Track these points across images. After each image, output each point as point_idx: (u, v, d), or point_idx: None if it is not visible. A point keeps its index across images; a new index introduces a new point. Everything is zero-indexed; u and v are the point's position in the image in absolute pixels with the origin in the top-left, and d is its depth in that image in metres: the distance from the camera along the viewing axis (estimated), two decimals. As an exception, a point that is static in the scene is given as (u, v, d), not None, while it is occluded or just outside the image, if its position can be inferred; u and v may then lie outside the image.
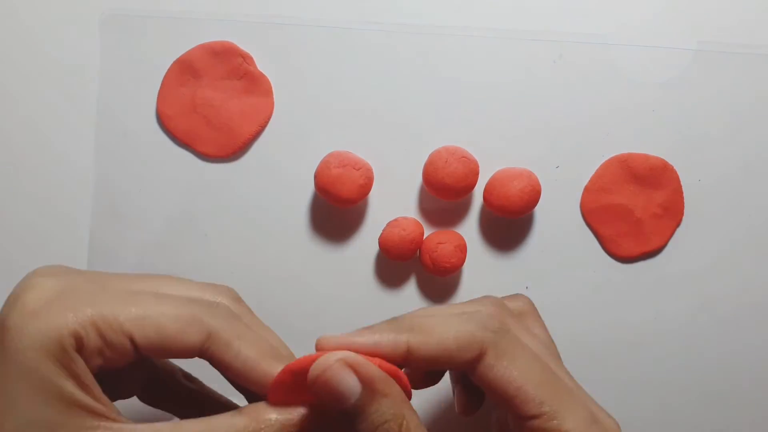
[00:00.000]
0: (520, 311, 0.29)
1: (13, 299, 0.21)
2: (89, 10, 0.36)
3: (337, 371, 0.21)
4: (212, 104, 0.36)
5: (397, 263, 0.36)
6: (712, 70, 0.36)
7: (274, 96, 0.36)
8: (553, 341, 0.29)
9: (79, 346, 0.21)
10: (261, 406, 0.23)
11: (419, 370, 0.25)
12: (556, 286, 0.36)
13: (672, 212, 0.36)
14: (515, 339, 0.24)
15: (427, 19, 0.36)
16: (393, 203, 0.36)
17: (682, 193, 0.36)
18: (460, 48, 0.36)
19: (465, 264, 0.35)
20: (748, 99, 0.36)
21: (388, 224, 0.34)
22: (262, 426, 0.22)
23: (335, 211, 0.36)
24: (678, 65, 0.36)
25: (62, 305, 0.21)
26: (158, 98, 0.36)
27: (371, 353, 0.22)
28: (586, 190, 0.36)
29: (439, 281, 0.36)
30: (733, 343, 0.37)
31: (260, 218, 0.36)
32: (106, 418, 0.21)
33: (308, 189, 0.36)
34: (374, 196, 0.36)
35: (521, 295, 0.30)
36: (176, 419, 0.23)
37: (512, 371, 0.23)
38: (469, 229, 0.36)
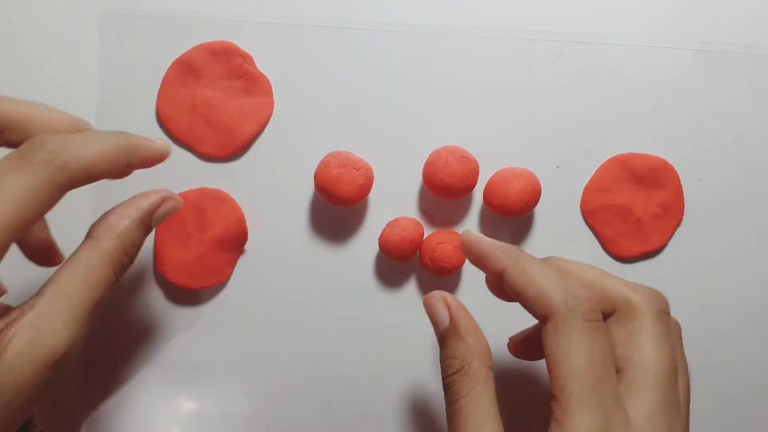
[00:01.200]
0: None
1: None
2: (89, 10, 0.36)
3: (437, 302, 0.27)
4: (212, 104, 0.36)
5: (397, 263, 0.36)
6: (712, 70, 0.36)
7: (274, 96, 0.36)
8: None
9: None
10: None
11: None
12: (556, 286, 0.36)
13: (672, 212, 0.36)
14: (532, 259, 0.27)
15: (427, 19, 0.36)
16: (393, 203, 0.36)
17: (682, 193, 0.36)
18: (460, 48, 0.36)
19: (465, 264, 0.35)
20: (748, 99, 0.36)
21: (388, 224, 0.34)
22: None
23: (335, 211, 0.36)
24: (678, 65, 0.36)
25: None
26: (158, 98, 0.36)
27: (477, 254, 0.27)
28: (586, 190, 0.36)
29: (439, 281, 0.36)
30: (733, 342, 0.37)
31: (260, 218, 0.36)
32: None
33: (308, 189, 0.36)
34: (374, 196, 0.36)
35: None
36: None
37: (531, 279, 0.25)
38: (469, 229, 0.36)
